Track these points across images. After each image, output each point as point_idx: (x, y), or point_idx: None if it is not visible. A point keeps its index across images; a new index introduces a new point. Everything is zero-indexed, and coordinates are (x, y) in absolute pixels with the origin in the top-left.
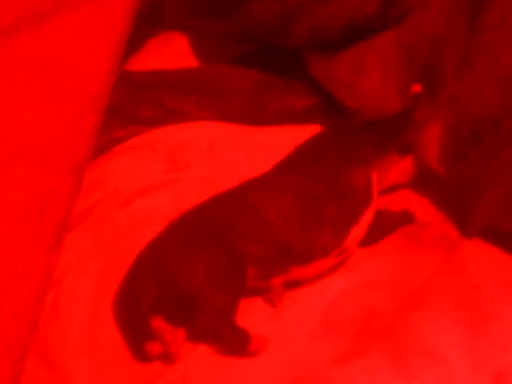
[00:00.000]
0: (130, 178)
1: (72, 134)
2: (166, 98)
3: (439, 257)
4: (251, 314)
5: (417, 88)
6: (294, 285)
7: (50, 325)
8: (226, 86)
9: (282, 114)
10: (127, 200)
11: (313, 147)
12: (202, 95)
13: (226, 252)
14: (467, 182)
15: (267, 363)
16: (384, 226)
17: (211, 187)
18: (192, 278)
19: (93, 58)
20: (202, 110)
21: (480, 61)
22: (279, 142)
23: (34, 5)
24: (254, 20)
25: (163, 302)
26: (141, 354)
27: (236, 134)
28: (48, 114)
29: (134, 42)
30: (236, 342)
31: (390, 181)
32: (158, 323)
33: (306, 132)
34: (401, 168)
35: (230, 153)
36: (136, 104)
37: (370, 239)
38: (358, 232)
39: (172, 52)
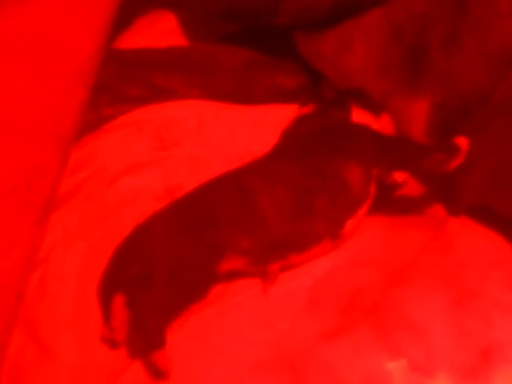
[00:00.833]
0: (118, 157)
1: (58, 108)
2: (155, 77)
3: (425, 235)
4: (238, 292)
5: (460, 141)
6: (288, 267)
7: (37, 301)
8: (214, 65)
9: (270, 93)
10: (114, 178)
11: (312, 137)
12: (191, 74)
13: (199, 245)
14: None
15: (254, 340)
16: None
17: (199, 165)
18: (156, 257)
19: (79, 34)
20: (190, 88)
21: (468, 38)
22: (267, 120)
23: None
24: None
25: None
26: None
27: (224, 112)
28: (34, 88)
29: (123, 20)
30: (149, 339)
31: None
32: (118, 303)
33: (295, 111)
34: (379, 127)
35: (218, 131)
36: (124, 82)
37: (374, 203)
38: (354, 222)
39: (160, 30)
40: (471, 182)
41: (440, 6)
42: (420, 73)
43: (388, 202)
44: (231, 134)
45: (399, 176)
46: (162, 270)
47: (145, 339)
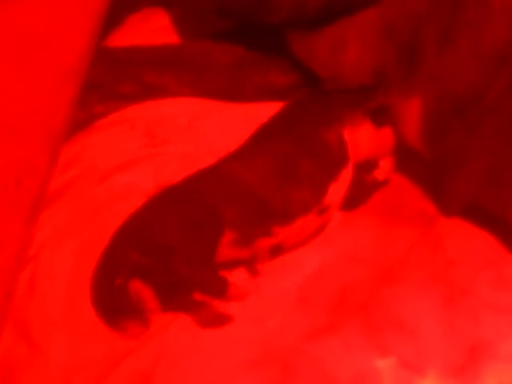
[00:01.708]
0: (109, 154)
1: (48, 106)
2: (146, 74)
3: (416, 232)
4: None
5: None
6: (276, 251)
7: (27, 300)
8: (206, 62)
9: (261, 90)
10: (105, 175)
11: (284, 114)
12: (182, 71)
13: (201, 209)
14: (447, 158)
15: (244, 336)
16: (365, 190)
17: (190, 162)
18: (168, 231)
19: (70, 31)
20: (181, 85)
21: (462, 37)
22: (259, 118)
23: None
24: None
25: (142, 268)
26: (119, 328)
27: (215, 109)
28: (24, 86)
29: (115, 17)
30: (214, 287)
31: (367, 151)
32: (137, 285)
33: None
34: (378, 138)
35: (209, 129)
36: (116, 80)
37: (351, 203)
38: (337, 190)
39: (152, 28)
40: (463, 181)
41: (434, 5)
42: (413, 72)
43: (378, 200)
44: (222, 132)
45: (379, 174)
46: (178, 234)
47: (209, 289)
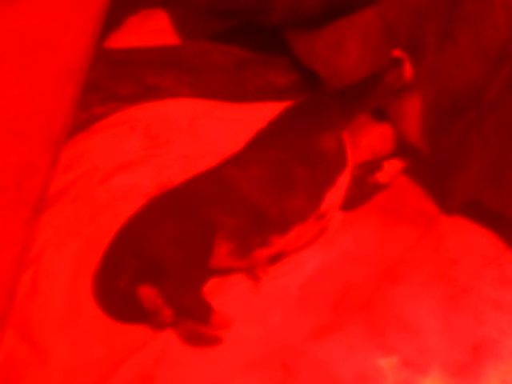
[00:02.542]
0: (109, 155)
1: (49, 107)
2: (146, 75)
3: (417, 231)
4: (229, 289)
5: (398, 53)
6: (275, 259)
7: (29, 301)
8: (206, 63)
9: (262, 91)
10: (106, 176)
11: (282, 119)
12: (182, 72)
13: (194, 222)
14: (448, 156)
15: (245, 337)
16: (365, 192)
17: (190, 163)
18: (160, 245)
19: (70, 33)
20: (182, 86)
21: (462, 34)
22: (259, 118)
23: None
24: None
25: (143, 273)
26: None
27: (216, 110)
28: (25, 87)
29: (114, 19)
30: (198, 313)
31: (368, 149)
32: (147, 291)
33: None
34: (379, 136)
35: (209, 129)
36: (116, 81)
37: (350, 204)
38: (334, 196)
39: (152, 29)
40: (464, 179)
41: (433, 3)
42: (413, 69)
43: (379, 199)
44: (223, 132)
45: (382, 177)
46: (169, 252)
47: (194, 316)
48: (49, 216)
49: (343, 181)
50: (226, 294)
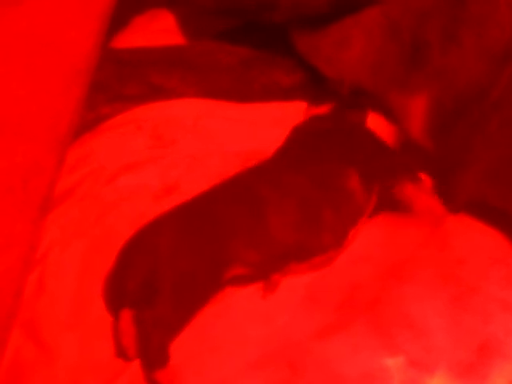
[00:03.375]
0: (116, 155)
1: (55, 107)
2: (152, 75)
3: (423, 231)
4: (236, 289)
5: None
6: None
7: (36, 301)
8: (211, 63)
9: (268, 91)
10: (112, 176)
11: (317, 143)
12: (188, 72)
13: (209, 257)
14: (452, 156)
15: (252, 336)
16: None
17: (197, 164)
18: (164, 271)
19: (76, 33)
20: (187, 86)
21: (466, 33)
22: (265, 118)
23: None
24: None
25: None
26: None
27: (222, 110)
28: (31, 87)
29: (120, 19)
30: (153, 356)
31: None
32: (126, 313)
33: (292, 109)
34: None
35: (215, 129)
36: (122, 81)
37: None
38: (356, 230)
39: (158, 29)
40: (469, 179)
41: (438, 3)
42: (418, 69)
43: (385, 198)
44: (229, 132)
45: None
46: (167, 283)
47: (148, 357)
48: (55, 216)
49: (364, 219)
50: (232, 294)
